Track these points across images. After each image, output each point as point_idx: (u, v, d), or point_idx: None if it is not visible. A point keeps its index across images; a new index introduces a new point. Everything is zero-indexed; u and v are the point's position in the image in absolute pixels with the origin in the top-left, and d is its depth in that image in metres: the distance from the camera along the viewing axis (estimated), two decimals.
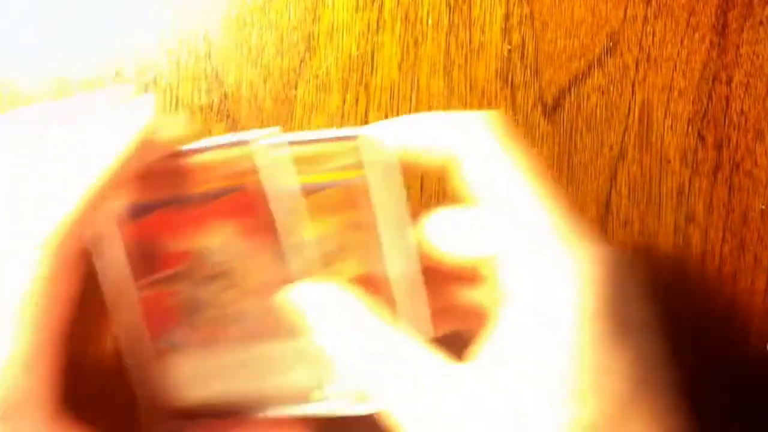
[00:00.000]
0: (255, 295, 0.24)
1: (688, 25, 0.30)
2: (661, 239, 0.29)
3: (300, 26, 0.29)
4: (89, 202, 0.20)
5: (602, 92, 0.30)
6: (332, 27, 0.29)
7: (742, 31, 0.30)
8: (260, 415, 0.24)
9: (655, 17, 0.30)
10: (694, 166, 0.30)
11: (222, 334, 0.24)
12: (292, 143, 0.23)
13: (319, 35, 0.29)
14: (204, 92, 0.29)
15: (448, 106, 0.30)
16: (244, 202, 0.24)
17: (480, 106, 0.30)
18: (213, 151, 0.23)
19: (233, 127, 0.29)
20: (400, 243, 0.23)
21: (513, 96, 0.30)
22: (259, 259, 0.24)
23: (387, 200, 0.23)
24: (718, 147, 0.30)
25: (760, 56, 0.30)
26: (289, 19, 0.29)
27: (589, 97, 0.30)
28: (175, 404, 0.25)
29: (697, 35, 0.30)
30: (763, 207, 0.29)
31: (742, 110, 0.30)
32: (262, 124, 0.29)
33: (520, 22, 0.30)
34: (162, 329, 0.24)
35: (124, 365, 0.24)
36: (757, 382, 0.29)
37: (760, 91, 0.30)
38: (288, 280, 0.23)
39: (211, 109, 0.29)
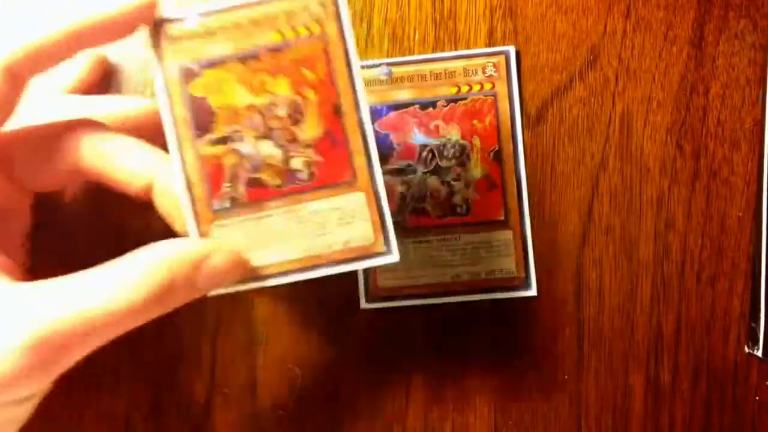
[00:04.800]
0: (311, 150, 0.25)
1: (665, 38, 0.30)
2: (641, 245, 0.30)
3: None
4: (58, 37, 0.23)
5: (583, 104, 0.30)
6: None
7: (718, 44, 0.30)
8: (322, 273, 0.25)
9: (634, 31, 0.30)
10: (673, 174, 0.30)
11: (276, 193, 0.25)
12: None
13: None
14: None
15: None
16: (303, 56, 0.25)
17: None
18: (270, 3, 0.25)
19: None
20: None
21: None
22: (316, 114, 0.25)
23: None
24: (696, 156, 0.30)
25: (736, 68, 0.30)
26: None
27: (571, 109, 0.30)
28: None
29: (674, 48, 0.30)
30: (740, 214, 0.30)
31: (718, 120, 0.30)
32: None
33: (503, 37, 0.30)
34: (219, 188, 0.25)
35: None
36: (737, 383, 0.30)
37: (736, 102, 0.30)
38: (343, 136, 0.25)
39: None
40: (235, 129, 0.25)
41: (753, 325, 0.30)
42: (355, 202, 0.25)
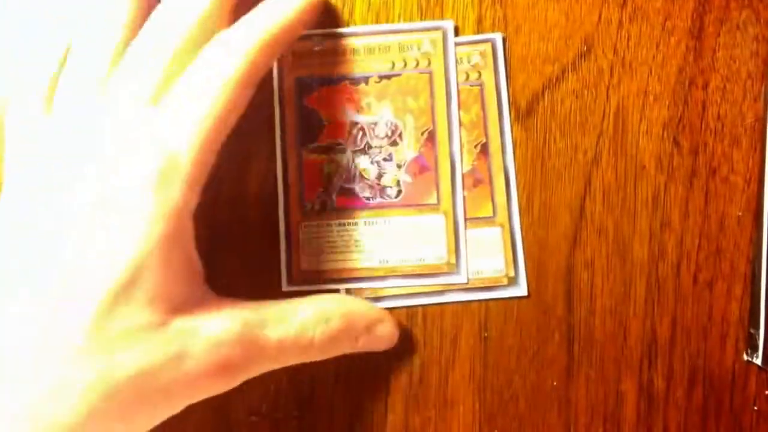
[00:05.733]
0: (403, 171, 0.28)
1: (663, 28, 0.29)
2: (636, 246, 0.29)
3: None
4: (286, 22, 0.25)
5: (576, 97, 0.29)
6: None
7: (719, 35, 0.29)
8: (392, 284, 0.28)
9: (630, 21, 0.29)
10: (670, 171, 0.29)
11: (364, 204, 0.28)
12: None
13: None
14: None
15: None
16: (409, 85, 0.28)
17: None
18: (392, 34, 0.28)
19: None
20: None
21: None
22: (412, 138, 0.28)
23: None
24: (694, 153, 0.29)
25: (737, 60, 0.29)
26: None
27: (563, 102, 0.29)
28: (310, 267, 0.28)
29: (672, 39, 0.29)
30: (740, 213, 0.29)
31: (718, 115, 0.29)
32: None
33: (492, 25, 0.29)
34: (313, 192, 0.28)
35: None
36: (734, 391, 0.29)
37: (737, 96, 0.29)
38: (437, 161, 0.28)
39: None
40: (338, 142, 0.28)
41: (752, 331, 0.29)
42: (435, 223, 0.28)
